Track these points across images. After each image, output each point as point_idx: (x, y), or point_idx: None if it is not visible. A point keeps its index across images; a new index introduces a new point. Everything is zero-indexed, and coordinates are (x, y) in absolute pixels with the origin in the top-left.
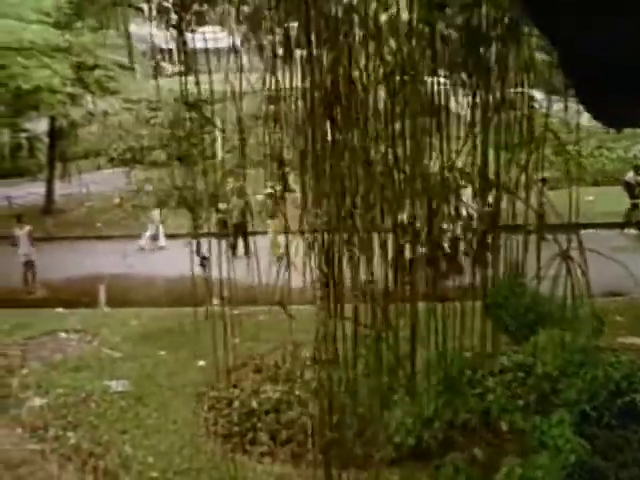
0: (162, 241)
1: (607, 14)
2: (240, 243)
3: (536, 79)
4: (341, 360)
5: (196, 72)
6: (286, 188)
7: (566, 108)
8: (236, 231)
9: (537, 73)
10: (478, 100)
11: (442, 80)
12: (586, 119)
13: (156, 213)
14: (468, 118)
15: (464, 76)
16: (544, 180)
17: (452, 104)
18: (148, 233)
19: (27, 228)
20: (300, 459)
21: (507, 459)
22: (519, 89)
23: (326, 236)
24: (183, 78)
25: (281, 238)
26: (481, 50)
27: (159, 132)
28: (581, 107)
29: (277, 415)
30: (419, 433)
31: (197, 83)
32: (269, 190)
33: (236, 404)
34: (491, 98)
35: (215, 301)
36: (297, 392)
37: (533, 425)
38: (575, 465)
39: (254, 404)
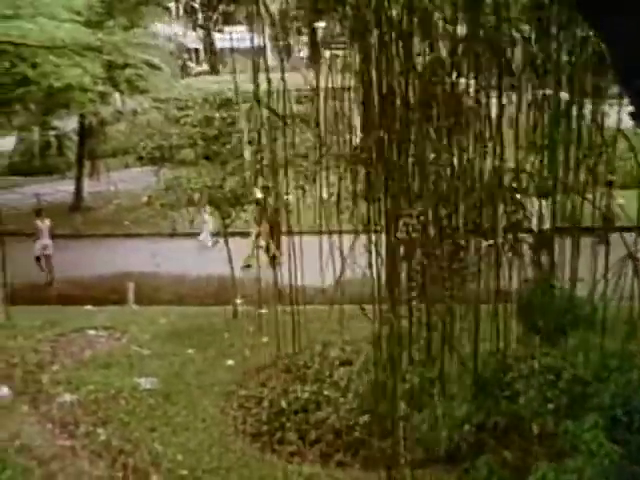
0: (203, 238)
1: None
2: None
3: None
4: (372, 361)
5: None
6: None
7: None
8: (272, 231)
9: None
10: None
11: (472, 82)
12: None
13: (207, 211)
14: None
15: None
16: (611, 183)
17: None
18: (205, 230)
19: (47, 222)
20: (329, 459)
21: (538, 463)
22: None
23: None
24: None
25: (263, 243)
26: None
27: (188, 131)
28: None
29: (306, 415)
30: (450, 435)
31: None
32: (258, 195)
33: (265, 403)
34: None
35: (238, 300)
36: (326, 392)
37: (565, 429)
38: (609, 470)
39: (283, 404)
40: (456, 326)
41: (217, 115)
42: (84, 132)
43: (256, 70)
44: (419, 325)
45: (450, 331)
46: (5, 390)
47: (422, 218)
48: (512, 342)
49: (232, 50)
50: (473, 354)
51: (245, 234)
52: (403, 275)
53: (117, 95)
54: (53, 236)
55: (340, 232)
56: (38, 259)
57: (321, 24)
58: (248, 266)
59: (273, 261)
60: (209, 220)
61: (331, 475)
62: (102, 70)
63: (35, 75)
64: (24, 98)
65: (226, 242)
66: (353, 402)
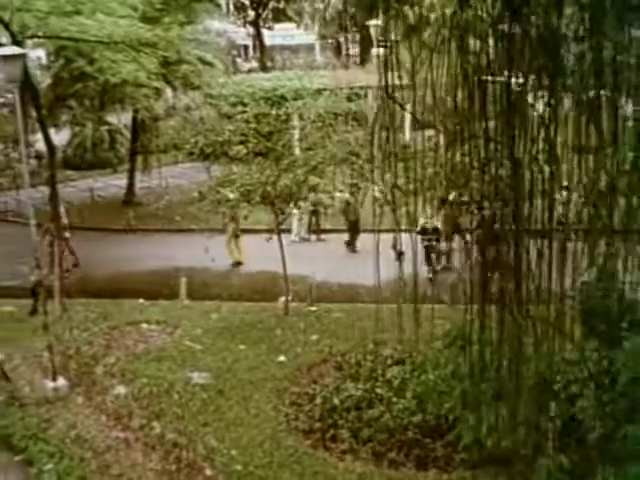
0: (294, 236)
1: None
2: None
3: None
4: (431, 361)
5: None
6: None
7: None
8: (351, 228)
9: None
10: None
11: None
12: None
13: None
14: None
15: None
16: None
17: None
18: (295, 227)
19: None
20: (382, 458)
21: (598, 467)
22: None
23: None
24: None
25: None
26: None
27: (240, 127)
28: None
29: (359, 413)
30: (506, 437)
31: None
32: (230, 194)
33: (317, 400)
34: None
35: (282, 298)
36: (379, 391)
37: (624, 433)
38: None
39: (336, 401)
40: (515, 327)
41: (273, 112)
42: (137, 127)
43: (307, 67)
44: (478, 326)
45: (508, 332)
46: (61, 381)
47: (487, 216)
48: (570, 344)
49: (282, 47)
50: (532, 356)
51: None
52: (463, 274)
53: (170, 91)
54: (104, 230)
55: (394, 230)
56: None
57: (372, 22)
58: (238, 263)
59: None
60: (297, 217)
61: (384, 474)
62: (157, 66)
63: (93, 70)
64: (81, 93)
65: (279, 239)
66: (407, 401)
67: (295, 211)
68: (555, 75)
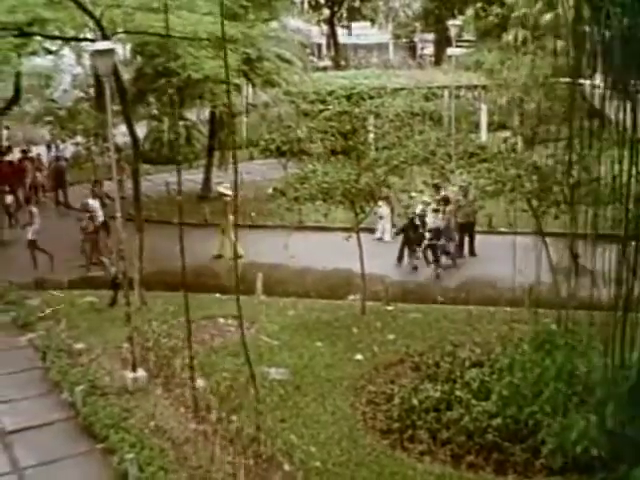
0: (387, 236)
1: None
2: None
3: None
4: (518, 363)
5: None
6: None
7: None
8: (462, 230)
9: None
10: None
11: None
12: None
13: (383, 207)
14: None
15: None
16: None
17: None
18: (381, 226)
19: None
20: (460, 460)
21: None
22: None
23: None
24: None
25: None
26: None
27: (322, 125)
28: None
29: (437, 414)
30: (594, 444)
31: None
32: (223, 190)
33: (396, 400)
34: None
35: (351, 296)
36: (458, 393)
37: None
38: None
39: (414, 402)
40: (600, 332)
41: (355, 110)
42: (215, 123)
43: (381, 66)
44: (564, 330)
45: (596, 337)
46: (141, 372)
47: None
48: None
49: (355, 46)
50: (619, 362)
51: (371, 230)
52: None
53: (250, 88)
54: (182, 224)
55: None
56: (33, 243)
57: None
58: (219, 256)
59: None
60: (386, 215)
61: (462, 477)
62: (239, 63)
63: (176, 66)
64: (162, 89)
65: (358, 237)
66: (486, 404)
67: (382, 210)
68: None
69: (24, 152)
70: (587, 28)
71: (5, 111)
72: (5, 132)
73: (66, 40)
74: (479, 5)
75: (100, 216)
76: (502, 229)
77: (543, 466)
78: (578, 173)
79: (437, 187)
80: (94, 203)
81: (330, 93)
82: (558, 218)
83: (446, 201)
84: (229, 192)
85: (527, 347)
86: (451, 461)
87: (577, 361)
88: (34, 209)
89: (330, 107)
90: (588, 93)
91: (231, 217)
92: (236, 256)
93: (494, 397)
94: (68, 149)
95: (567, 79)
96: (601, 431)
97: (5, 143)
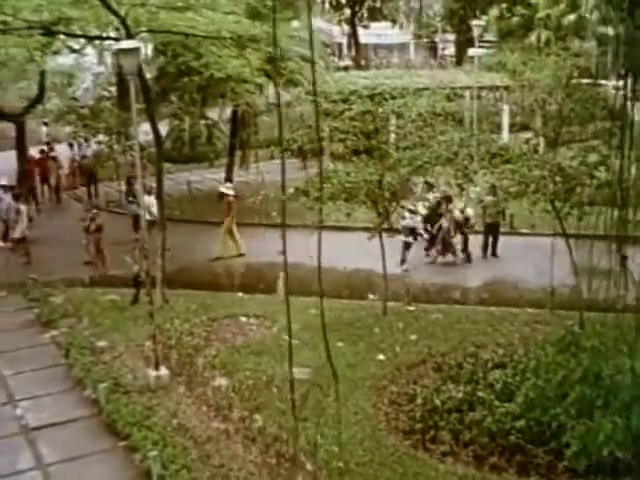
0: (405, 237)
1: None
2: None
3: None
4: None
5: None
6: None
7: None
8: (487, 231)
9: None
10: None
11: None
12: None
13: (420, 206)
14: None
15: None
16: None
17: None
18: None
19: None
20: (483, 462)
21: None
22: None
23: None
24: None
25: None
26: None
27: (340, 125)
28: None
29: (460, 415)
30: (620, 447)
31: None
32: (224, 190)
33: (418, 401)
34: None
35: (371, 296)
36: (480, 394)
37: None
38: None
39: (437, 402)
40: (627, 335)
41: (379, 110)
42: (236, 122)
43: (402, 66)
44: (591, 332)
45: (622, 340)
46: (163, 370)
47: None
48: None
49: (376, 46)
50: None
51: (395, 230)
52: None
53: (272, 87)
54: (202, 222)
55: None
56: (20, 241)
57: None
58: (219, 258)
59: None
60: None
61: (485, 478)
62: (262, 62)
63: (199, 65)
64: (184, 87)
65: (380, 237)
66: (509, 406)
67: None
68: None
69: (42, 151)
70: (610, 29)
71: (29, 109)
72: (44, 129)
73: (91, 39)
74: (504, 5)
75: (155, 212)
76: (524, 230)
77: (566, 468)
78: (606, 174)
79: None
80: (149, 199)
81: (352, 93)
82: (582, 220)
83: (448, 200)
84: (230, 192)
85: (551, 349)
86: (474, 462)
87: (603, 364)
88: (22, 207)
89: (354, 107)
90: (611, 94)
91: (232, 217)
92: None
93: (520, 399)
94: (90, 147)
95: (590, 80)
96: (627, 434)
97: (46, 138)
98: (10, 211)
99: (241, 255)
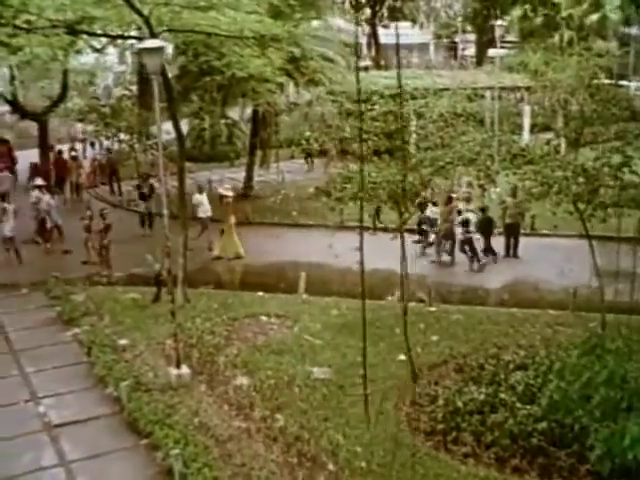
0: (432, 239)
1: None
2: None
3: None
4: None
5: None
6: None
7: None
8: (508, 232)
9: None
10: None
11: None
12: None
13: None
14: None
15: None
16: None
17: None
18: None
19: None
20: (505, 464)
21: None
22: None
23: None
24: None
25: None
26: None
27: (368, 125)
28: None
29: (482, 417)
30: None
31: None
32: (223, 191)
33: (440, 402)
34: None
35: (390, 297)
36: (502, 395)
37: None
38: None
39: (458, 404)
40: None
41: (402, 110)
42: (257, 122)
43: (422, 67)
44: (617, 334)
45: None
46: (185, 369)
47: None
48: None
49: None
50: None
51: (412, 230)
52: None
53: (293, 86)
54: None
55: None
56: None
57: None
58: (219, 258)
59: None
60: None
61: None
62: (283, 61)
63: (220, 65)
64: (205, 87)
65: (401, 237)
66: (531, 408)
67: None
68: None
69: (60, 152)
70: (633, 29)
71: (52, 108)
72: (79, 126)
73: (113, 38)
74: (528, 6)
75: (208, 210)
76: (545, 231)
77: (589, 472)
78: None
79: (483, 188)
80: (202, 197)
81: (374, 93)
82: (605, 221)
83: (450, 199)
84: (229, 193)
85: (575, 351)
86: (495, 464)
87: (628, 366)
88: (8, 206)
89: (376, 107)
90: (634, 95)
91: (232, 218)
92: (237, 256)
93: (544, 401)
94: (112, 146)
95: (613, 80)
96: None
97: (81, 136)
98: (50, 210)
99: (238, 257)
